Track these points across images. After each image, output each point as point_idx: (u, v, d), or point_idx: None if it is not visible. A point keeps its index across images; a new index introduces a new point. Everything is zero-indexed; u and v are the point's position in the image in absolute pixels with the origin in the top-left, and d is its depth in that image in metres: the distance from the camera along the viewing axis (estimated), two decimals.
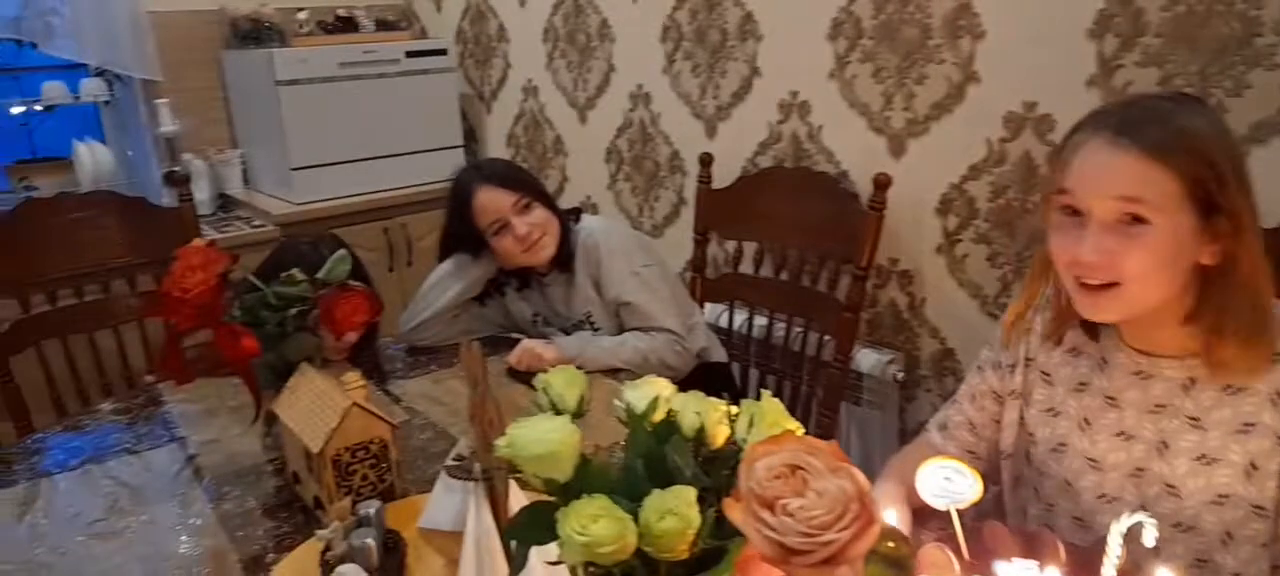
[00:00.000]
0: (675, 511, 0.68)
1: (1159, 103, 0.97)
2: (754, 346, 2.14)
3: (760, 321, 2.13)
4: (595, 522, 0.67)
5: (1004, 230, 1.84)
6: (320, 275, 1.40)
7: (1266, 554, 1.00)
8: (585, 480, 0.74)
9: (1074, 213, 0.97)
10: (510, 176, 1.79)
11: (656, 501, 0.69)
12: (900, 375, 2.04)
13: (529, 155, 3.04)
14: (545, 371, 0.89)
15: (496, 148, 3.16)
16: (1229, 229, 0.93)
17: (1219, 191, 0.92)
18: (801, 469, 0.56)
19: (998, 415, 1.20)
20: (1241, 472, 0.98)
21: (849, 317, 1.90)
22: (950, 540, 0.90)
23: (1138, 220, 0.92)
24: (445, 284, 1.83)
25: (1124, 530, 0.79)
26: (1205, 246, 0.94)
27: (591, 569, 0.73)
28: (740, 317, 2.16)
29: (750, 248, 2.18)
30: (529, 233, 1.74)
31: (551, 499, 0.75)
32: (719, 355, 2.00)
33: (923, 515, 1.05)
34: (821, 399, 1.97)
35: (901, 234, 2.01)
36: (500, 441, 0.76)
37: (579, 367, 0.92)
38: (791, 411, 2.12)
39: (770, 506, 0.55)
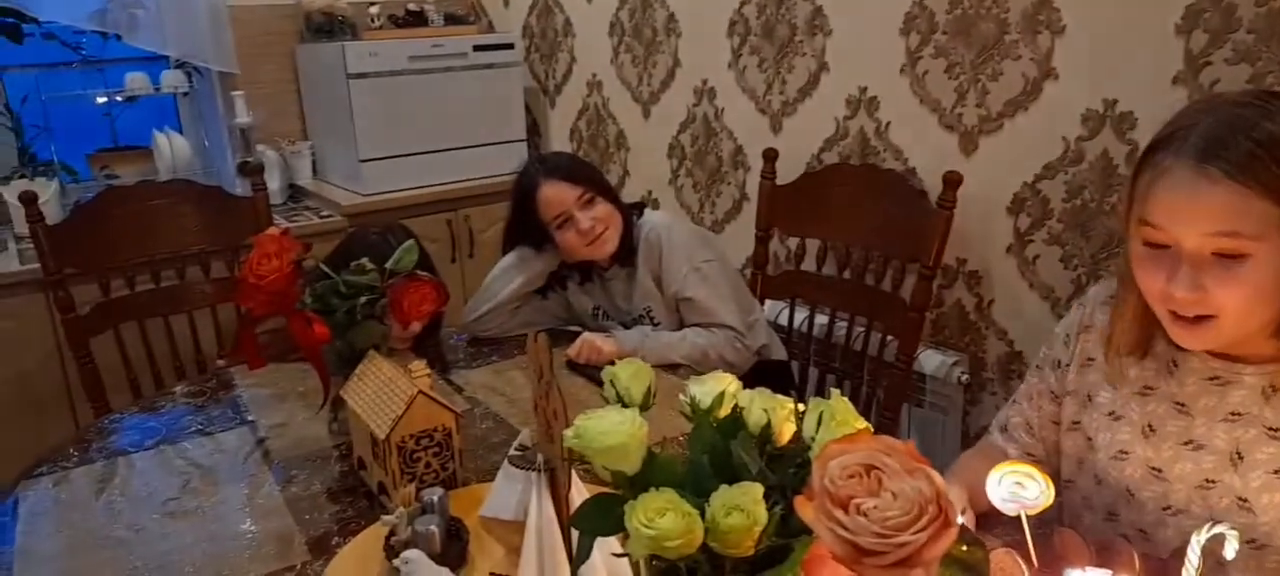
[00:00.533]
0: (742, 507, 0.67)
1: (1241, 110, 0.89)
2: (814, 345, 2.11)
3: (821, 320, 2.10)
4: (662, 516, 0.66)
5: (1079, 231, 1.79)
6: (389, 265, 1.42)
7: None
8: (652, 473, 0.73)
9: (1161, 244, 0.91)
10: (575, 171, 1.80)
11: (724, 497, 0.68)
12: (965, 377, 2.00)
13: (591, 150, 3.04)
14: (604, 364, 0.89)
15: (559, 142, 3.17)
16: None
17: None
18: (877, 468, 0.55)
19: (1056, 416, 1.16)
20: None
21: (914, 318, 1.86)
22: (1019, 546, 0.87)
23: (1234, 254, 0.87)
24: (508, 276, 1.84)
25: (1203, 541, 0.76)
26: None
27: (656, 562, 0.72)
28: (801, 315, 2.14)
29: (813, 245, 2.15)
30: (592, 227, 1.74)
31: (616, 491, 0.75)
32: (779, 353, 1.98)
33: (987, 519, 1.02)
34: (883, 400, 1.94)
35: (970, 233, 1.96)
36: (568, 432, 0.76)
37: None
38: None
39: (844, 505, 0.54)
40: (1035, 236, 1.87)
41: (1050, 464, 1.17)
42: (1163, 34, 1.59)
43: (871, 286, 2.00)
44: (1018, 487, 0.88)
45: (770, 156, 2.17)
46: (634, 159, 2.90)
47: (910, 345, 1.88)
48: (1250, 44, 1.49)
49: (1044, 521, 0.90)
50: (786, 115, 2.35)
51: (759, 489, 0.69)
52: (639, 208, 1.89)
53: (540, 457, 0.98)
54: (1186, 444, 1.01)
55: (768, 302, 2.20)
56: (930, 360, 2.02)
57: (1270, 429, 0.95)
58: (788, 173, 2.19)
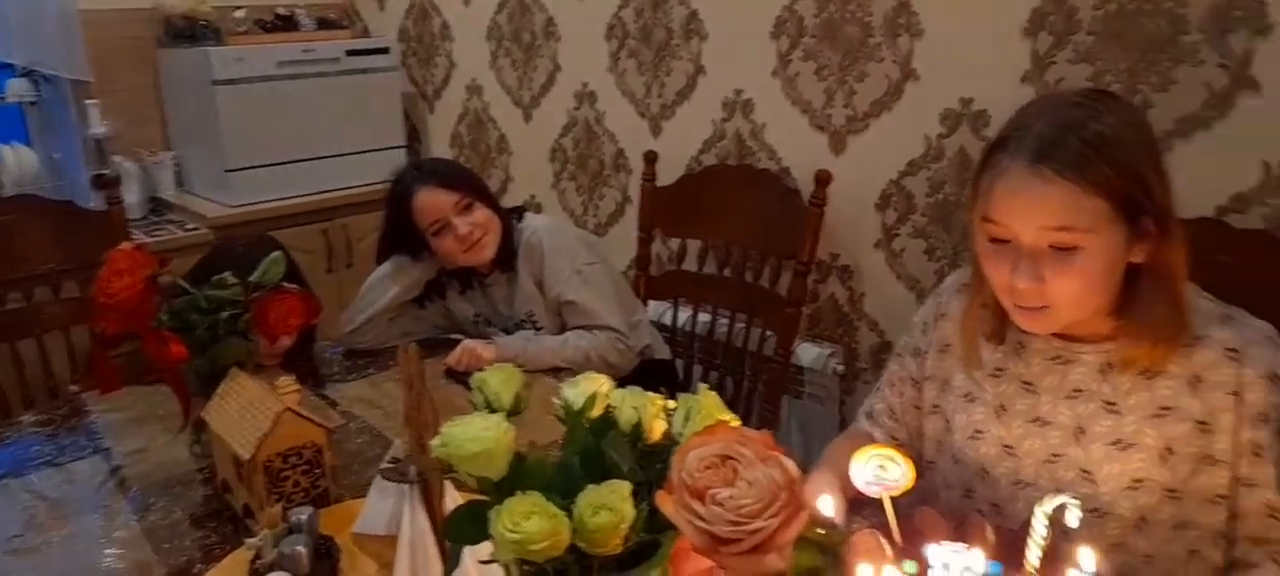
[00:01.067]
0: (609, 506, 0.67)
1: (1073, 111, 0.95)
2: (698, 343, 2.14)
3: (704, 318, 2.13)
4: (527, 520, 0.66)
5: (940, 224, 1.87)
6: (253, 277, 1.36)
7: (1180, 536, 1.01)
8: (519, 478, 0.73)
9: (1003, 239, 0.97)
10: (451, 176, 1.77)
11: (591, 496, 0.68)
12: (840, 368, 2.07)
13: (472, 155, 3.00)
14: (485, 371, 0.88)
15: (440, 147, 3.12)
16: (1155, 229, 0.94)
17: (1145, 197, 0.92)
18: (732, 459, 0.56)
19: (917, 400, 1.21)
20: (1156, 457, 0.99)
21: (790, 313, 1.91)
22: (884, 526, 0.90)
23: (1068, 246, 0.92)
24: (384, 286, 1.80)
25: (1048, 512, 0.80)
26: (1134, 246, 0.95)
27: (525, 566, 0.72)
28: (684, 315, 2.16)
29: (694, 245, 2.19)
30: (470, 232, 1.72)
31: (486, 498, 0.74)
32: (663, 352, 2.00)
33: (860, 501, 1.05)
34: (763, 393, 1.98)
35: (842, 229, 2.03)
36: (434, 441, 0.75)
37: (520, 367, 0.91)
38: (734, 406, 2.11)
39: (700, 496, 0.54)
40: (901, 230, 1.94)
41: (913, 447, 1.21)
42: (1011, 36, 1.68)
43: (751, 283, 2.05)
44: (881, 470, 0.91)
45: (650, 159, 2.19)
46: (516, 163, 2.88)
47: (788, 339, 1.92)
48: (1090, 45, 1.59)
49: (916, 499, 0.94)
50: (665, 118, 2.37)
51: (626, 486, 0.69)
52: (518, 212, 1.87)
53: (412, 469, 0.96)
54: (1034, 421, 1.07)
55: (651, 303, 2.21)
56: (808, 353, 2.08)
57: (1108, 403, 1.02)
58: (668, 174, 2.21)
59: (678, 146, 2.33)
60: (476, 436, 0.72)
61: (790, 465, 0.55)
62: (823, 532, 0.60)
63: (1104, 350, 1.02)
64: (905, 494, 0.93)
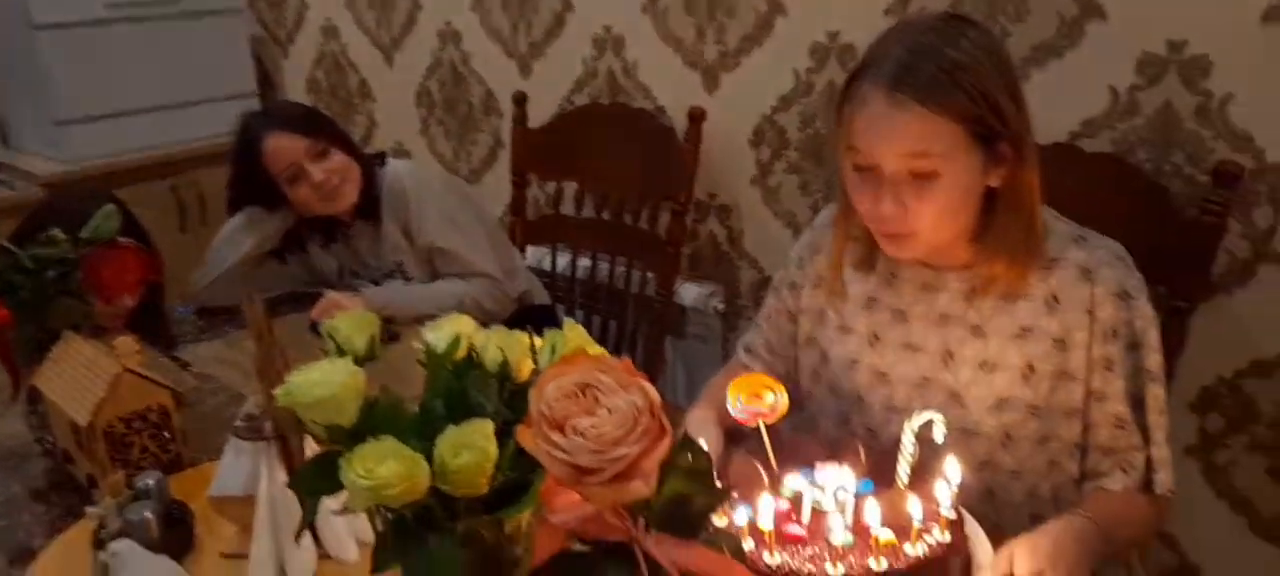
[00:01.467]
0: (472, 445, 0.64)
1: (929, 36, 0.96)
2: (578, 287, 2.11)
3: (584, 262, 2.10)
4: (381, 465, 0.62)
5: (813, 159, 1.89)
6: (84, 233, 1.26)
7: (1042, 450, 1.06)
8: (373, 423, 0.68)
9: (867, 167, 0.97)
10: (303, 120, 1.67)
11: (452, 437, 0.65)
12: (721, 306, 2.08)
13: (333, 101, 2.85)
14: None
15: (297, 93, 2.95)
16: (1011, 154, 0.96)
17: (999, 122, 0.94)
18: (593, 386, 0.53)
19: (794, 334, 1.22)
20: (1019, 376, 1.03)
21: (670, 253, 1.90)
22: (760, 454, 0.91)
23: (926, 172, 0.94)
24: (236, 239, 1.69)
25: (916, 429, 0.82)
26: (991, 171, 0.97)
27: (387, 514, 0.68)
28: (564, 260, 2.13)
29: (571, 188, 2.14)
30: (326, 179, 1.63)
31: (336, 447, 0.70)
32: (542, 297, 1.96)
33: (740, 432, 1.05)
34: (647, 334, 1.97)
35: (717, 167, 2.02)
36: (278, 390, 0.70)
37: (389, 320, 0.86)
38: (617, 348, 2.08)
39: (560, 427, 0.52)
40: (775, 167, 1.95)
41: (791, 380, 1.22)
42: None
43: (629, 225, 2.02)
44: (754, 399, 0.91)
45: (520, 100, 2.13)
46: (381, 109, 2.75)
47: (669, 280, 1.92)
48: None
49: (794, 427, 0.94)
50: (535, 58, 2.30)
51: (489, 425, 0.66)
52: (381, 157, 1.79)
53: (267, 425, 0.90)
54: (906, 347, 1.09)
55: (529, 249, 2.17)
56: (689, 292, 2.08)
57: (973, 327, 1.05)
58: (540, 116, 2.15)
59: (549, 87, 2.27)
60: (321, 381, 0.67)
61: (651, 390, 0.53)
62: (692, 459, 0.59)
63: (969, 277, 1.04)
64: (781, 420, 0.93)
